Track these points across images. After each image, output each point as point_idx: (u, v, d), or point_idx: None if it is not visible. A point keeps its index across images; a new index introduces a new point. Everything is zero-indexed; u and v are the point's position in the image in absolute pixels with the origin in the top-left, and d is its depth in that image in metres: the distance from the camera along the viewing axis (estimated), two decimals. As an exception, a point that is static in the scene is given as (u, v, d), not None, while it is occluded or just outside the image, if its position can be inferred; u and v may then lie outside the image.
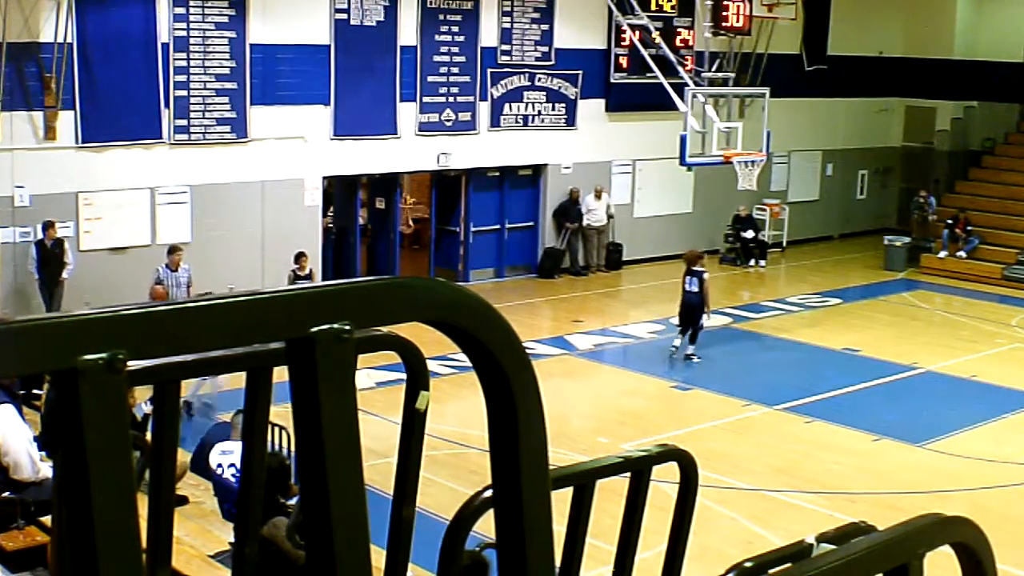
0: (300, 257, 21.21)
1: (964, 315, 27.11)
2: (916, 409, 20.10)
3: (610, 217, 29.95)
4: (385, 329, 2.30)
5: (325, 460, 1.62)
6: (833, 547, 3.01)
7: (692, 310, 21.93)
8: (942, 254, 31.95)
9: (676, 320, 22.57)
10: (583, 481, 3.67)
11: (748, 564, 3.32)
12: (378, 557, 2.81)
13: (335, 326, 1.61)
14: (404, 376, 2.75)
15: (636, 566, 3.82)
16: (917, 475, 16.65)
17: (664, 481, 4.46)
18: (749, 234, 31.99)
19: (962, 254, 31.74)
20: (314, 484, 1.64)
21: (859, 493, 15.42)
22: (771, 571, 2.89)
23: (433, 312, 1.77)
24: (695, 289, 21.83)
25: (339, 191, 27.23)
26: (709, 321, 22.50)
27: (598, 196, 29.52)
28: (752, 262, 31.85)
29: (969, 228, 32.10)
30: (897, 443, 18.10)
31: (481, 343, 1.83)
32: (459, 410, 16.89)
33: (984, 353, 23.77)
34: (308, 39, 24.58)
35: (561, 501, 2.68)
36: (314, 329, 1.59)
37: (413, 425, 2.79)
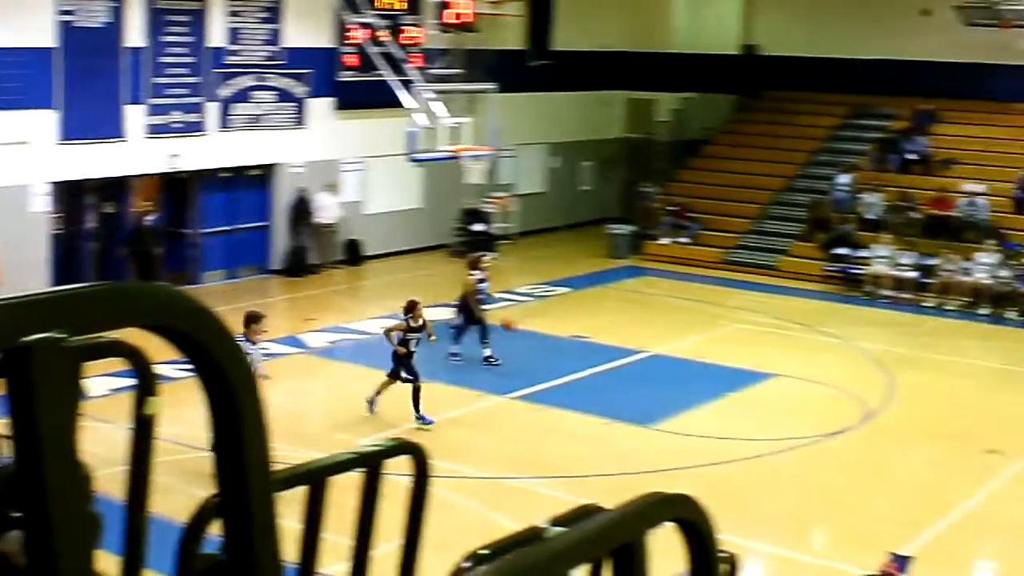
0: (413, 307, 18.84)
1: (688, 299, 27.94)
2: (645, 391, 20.68)
3: (342, 215, 29.88)
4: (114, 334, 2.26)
5: (43, 470, 1.60)
6: (565, 530, 3.11)
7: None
8: (665, 241, 32.91)
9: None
10: (316, 479, 3.67)
11: (484, 551, 3.39)
12: (113, 563, 2.77)
13: (51, 335, 1.58)
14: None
15: (375, 560, 3.84)
16: (648, 456, 17.11)
17: (402, 474, 4.51)
18: (478, 227, 32.33)
19: (684, 240, 32.77)
20: (34, 495, 1.62)
21: (593, 476, 15.77)
22: (505, 556, 2.95)
23: (151, 317, 1.76)
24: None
25: (67, 196, 26.37)
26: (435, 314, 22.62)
27: (330, 194, 29.41)
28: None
29: (690, 215, 33.16)
30: (627, 425, 18.59)
31: (199, 345, 1.83)
32: (198, 414, 16.60)
33: (707, 335, 24.62)
34: (31, 41, 23.70)
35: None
36: (28, 338, 1.56)
37: (141, 431, 2.75)
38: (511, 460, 16.74)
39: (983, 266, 28.28)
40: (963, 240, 29.69)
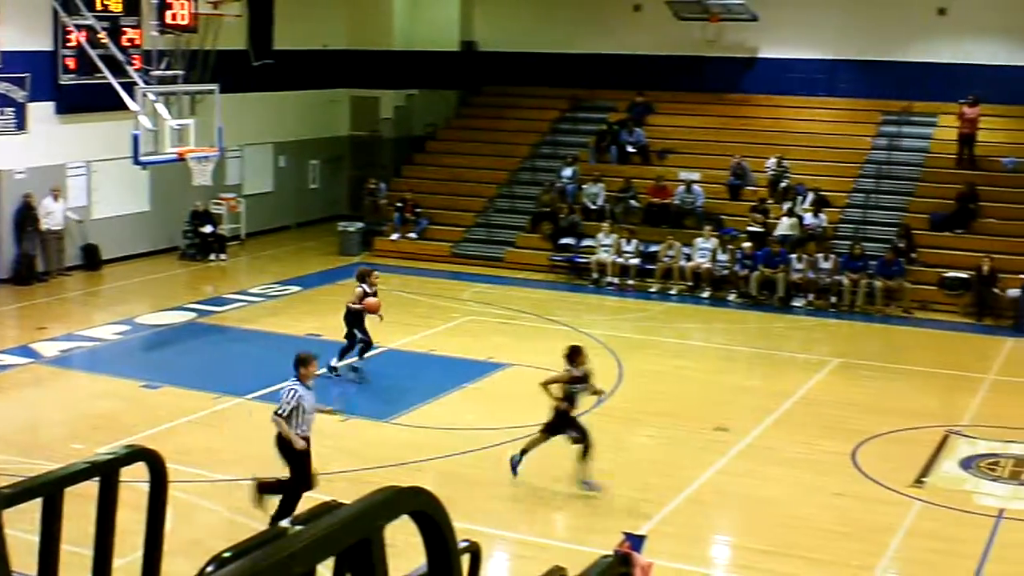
0: (578, 354, 16.19)
1: (419, 293, 28.27)
2: (381, 386, 20.92)
3: (72, 219, 29.21)
4: None
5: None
6: (304, 528, 3.29)
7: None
8: (394, 236, 33.21)
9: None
10: (50, 491, 3.73)
11: (227, 554, 3.53)
12: None
13: None
14: None
15: (119, 568, 3.93)
16: (388, 450, 17.33)
17: (144, 481, 4.61)
18: (207, 229, 32.04)
19: (413, 235, 33.12)
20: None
21: (336, 473, 15.87)
22: (248, 557, 3.05)
23: None
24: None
25: None
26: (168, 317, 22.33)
27: (55, 199, 28.69)
28: (212, 256, 31.93)
29: (417, 210, 33.53)
30: (367, 421, 18.80)
31: None
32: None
33: (440, 328, 24.99)
34: None
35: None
36: None
37: None
38: (253, 461, 16.68)
39: (703, 251, 29.43)
40: (682, 227, 30.85)
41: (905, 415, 19.65)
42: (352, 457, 16.93)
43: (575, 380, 15.90)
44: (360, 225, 33.68)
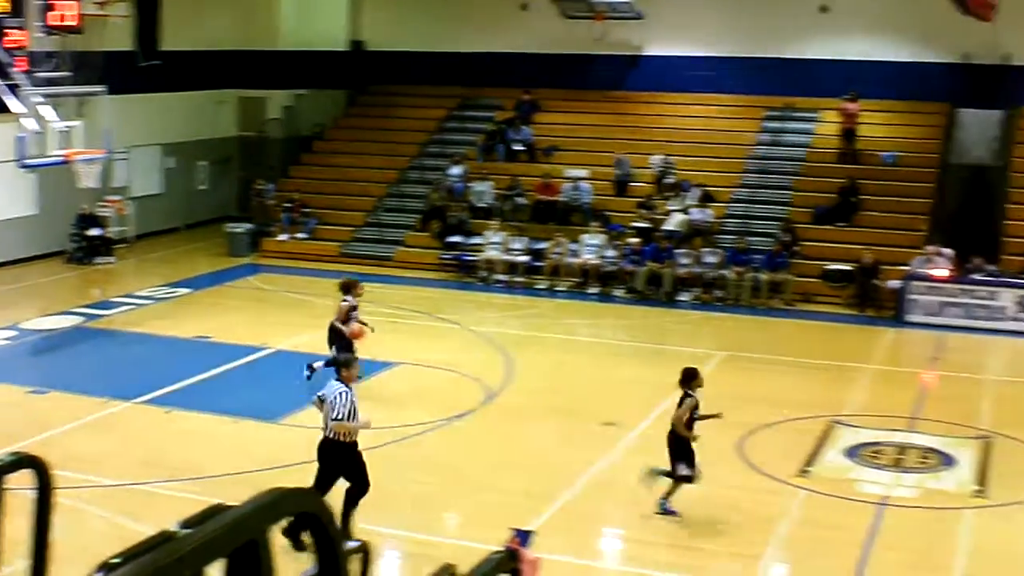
0: (695, 375, 15.41)
1: (308, 294, 28.17)
2: (270, 388, 20.89)
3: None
4: None
5: None
6: (192, 531, 3.35)
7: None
8: (283, 237, 33.10)
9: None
10: None
11: (115, 559, 3.57)
12: None
13: None
14: None
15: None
16: (279, 451, 17.24)
17: (30, 488, 4.63)
18: (95, 232, 31.70)
19: (302, 236, 33.04)
20: None
21: (225, 475, 15.83)
22: (136, 561, 3.08)
23: None
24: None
25: None
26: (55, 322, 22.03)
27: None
28: (100, 259, 31.59)
29: (306, 210, 33.45)
30: (256, 422, 18.74)
31: None
32: None
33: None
34: None
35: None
36: None
37: None
38: (142, 465, 16.62)
39: (590, 247, 29.71)
40: (570, 223, 31.11)
41: (790, 406, 20.03)
42: (243, 459, 16.84)
43: (695, 408, 15.13)
44: (249, 226, 33.52)
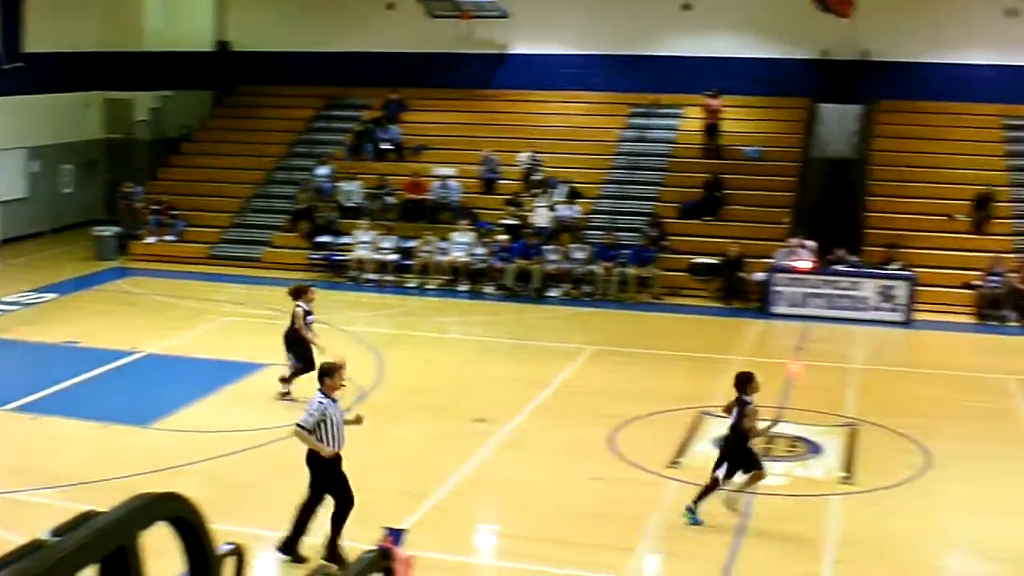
0: (750, 379, 15.18)
1: (177, 296, 27.95)
2: (140, 391, 20.66)
3: None
4: None
5: None
6: (61, 539, 3.36)
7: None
8: (151, 240, 32.76)
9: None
10: None
11: None
12: None
13: None
14: None
15: None
16: (150, 456, 17.01)
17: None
18: (-45, 237, 31.12)
19: (170, 238, 32.73)
20: None
21: (96, 482, 15.63)
22: (6, 570, 3.08)
23: None
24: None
25: None
26: None
27: None
28: (-39, 265, 31.02)
29: (174, 212, 33.14)
30: (126, 427, 18.48)
31: None
32: None
33: (199, 330, 24.80)
34: None
35: None
36: None
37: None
38: (10, 474, 16.35)
39: (459, 245, 29.85)
40: (439, 222, 31.23)
41: (660, 398, 20.33)
42: (114, 464, 16.64)
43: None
44: (116, 229, 33.12)
